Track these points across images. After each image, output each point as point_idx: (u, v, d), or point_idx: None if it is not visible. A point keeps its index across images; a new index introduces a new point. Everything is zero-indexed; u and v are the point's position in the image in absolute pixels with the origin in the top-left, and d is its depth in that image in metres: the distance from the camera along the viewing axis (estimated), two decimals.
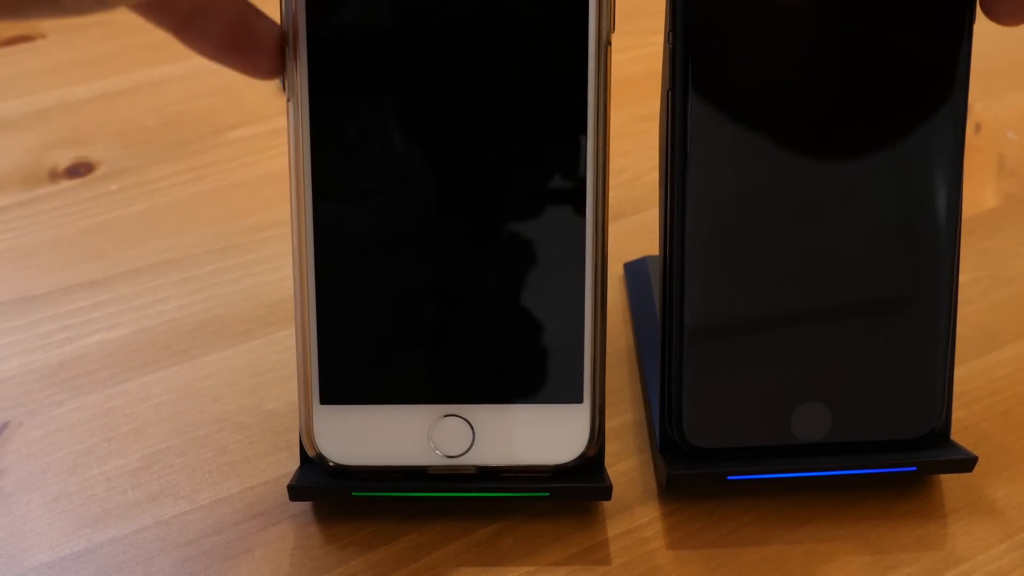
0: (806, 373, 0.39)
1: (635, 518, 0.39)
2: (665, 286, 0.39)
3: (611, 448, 0.41)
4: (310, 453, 0.38)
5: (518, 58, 0.36)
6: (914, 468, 0.39)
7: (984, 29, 0.37)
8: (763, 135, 0.38)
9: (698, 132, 0.38)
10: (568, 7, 0.36)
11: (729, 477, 0.39)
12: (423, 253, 0.38)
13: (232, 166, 0.58)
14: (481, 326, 0.38)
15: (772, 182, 0.38)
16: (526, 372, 0.38)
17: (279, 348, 0.46)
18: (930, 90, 0.38)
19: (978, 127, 0.60)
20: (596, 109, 0.37)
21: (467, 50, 0.36)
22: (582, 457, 0.38)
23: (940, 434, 0.40)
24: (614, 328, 0.47)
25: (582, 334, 0.38)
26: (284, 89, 0.37)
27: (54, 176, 0.57)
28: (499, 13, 0.36)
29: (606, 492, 0.38)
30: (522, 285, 0.38)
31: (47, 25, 0.70)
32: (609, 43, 0.36)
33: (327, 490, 0.38)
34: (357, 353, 0.38)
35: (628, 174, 0.56)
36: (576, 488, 0.38)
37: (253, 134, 0.60)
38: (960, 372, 0.43)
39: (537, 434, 0.38)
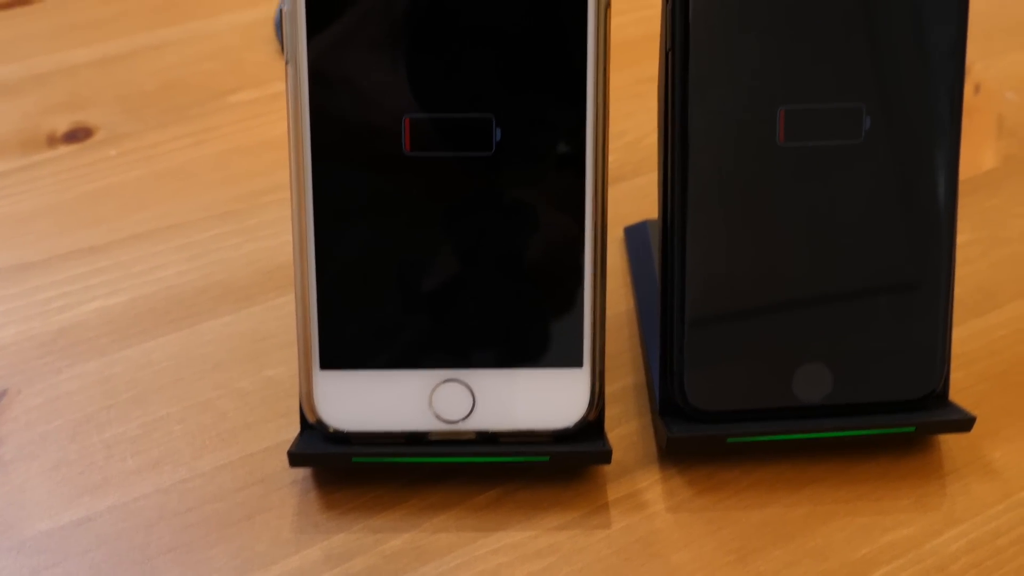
0: (807, 334, 0.39)
1: (635, 482, 0.39)
2: (665, 249, 0.39)
3: (611, 412, 0.41)
4: (310, 419, 0.38)
5: (518, 17, 0.36)
6: (912, 428, 0.39)
7: None
8: (764, 95, 0.37)
9: (697, 92, 0.37)
10: None
11: (730, 439, 0.39)
12: (423, 217, 0.37)
13: (232, 131, 0.57)
14: (481, 290, 0.38)
15: (773, 143, 0.38)
16: (526, 336, 0.38)
17: (279, 314, 0.46)
18: (927, 53, 0.38)
19: (977, 88, 0.60)
20: (596, 70, 0.36)
21: (467, 10, 0.36)
22: (582, 421, 0.38)
23: (939, 395, 0.40)
24: (614, 292, 0.47)
25: (582, 298, 0.38)
26: (284, 53, 0.36)
27: (52, 141, 0.57)
28: None
29: (606, 456, 0.38)
30: (522, 249, 0.38)
31: None
32: (608, 4, 0.36)
33: (327, 456, 0.38)
34: (357, 318, 0.38)
35: (629, 137, 0.56)
36: (576, 452, 0.38)
37: (253, 98, 0.59)
38: (959, 333, 0.43)
39: (537, 399, 0.38)
